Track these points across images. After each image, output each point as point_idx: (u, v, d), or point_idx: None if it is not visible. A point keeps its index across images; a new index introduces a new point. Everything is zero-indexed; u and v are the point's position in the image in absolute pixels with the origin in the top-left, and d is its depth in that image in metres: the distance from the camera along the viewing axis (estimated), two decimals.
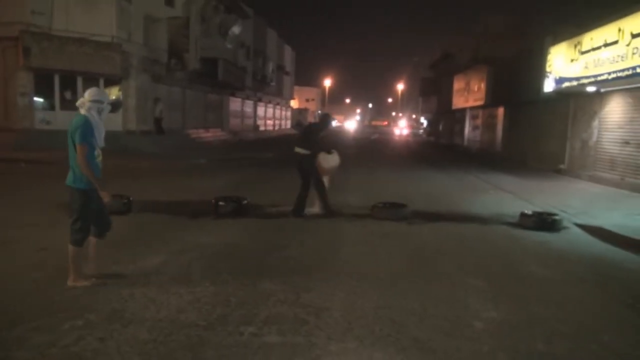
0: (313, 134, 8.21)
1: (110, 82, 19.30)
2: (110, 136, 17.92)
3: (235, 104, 34.18)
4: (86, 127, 4.19)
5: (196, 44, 23.98)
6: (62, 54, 16.91)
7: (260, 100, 41.26)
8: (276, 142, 30.00)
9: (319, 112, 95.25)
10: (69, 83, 18.27)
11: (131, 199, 7.70)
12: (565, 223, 7.78)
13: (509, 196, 10.89)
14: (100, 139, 4.35)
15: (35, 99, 17.99)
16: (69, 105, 18.53)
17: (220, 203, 7.82)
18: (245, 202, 7.95)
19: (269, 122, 45.87)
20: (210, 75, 25.66)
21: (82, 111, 4.26)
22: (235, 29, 30.03)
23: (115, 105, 17.58)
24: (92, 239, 4.52)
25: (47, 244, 5.70)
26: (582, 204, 9.63)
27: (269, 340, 3.41)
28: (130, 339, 3.36)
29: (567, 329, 3.84)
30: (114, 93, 19.79)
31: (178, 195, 9.27)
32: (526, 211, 7.96)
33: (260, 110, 42.19)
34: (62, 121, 18.22)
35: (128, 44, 18.74)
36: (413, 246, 6.27)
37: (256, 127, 39.88)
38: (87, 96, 4.27)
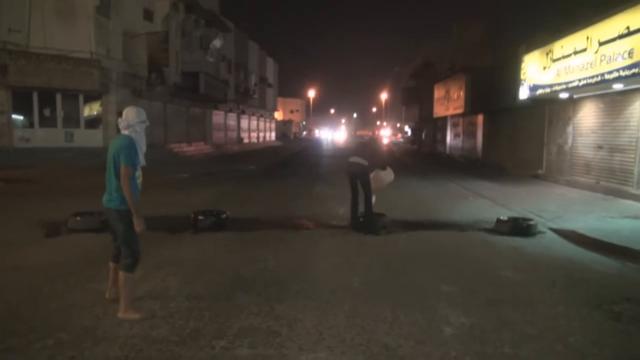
0: (370, 147, 8.20)
1: (89, 98, 19.21)
2: (91, 152, 17.86)
3: (218, 117, 34.16)
4: (132, 148, 4.05)
5: (177, 58, 23.98)
6: (40, 71, 16.80)
7: (243, 112, 41.29)
8: (260, 154, 30.03)
9: (304, 122, 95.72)
10: (47, 100, 18.14)
11: None
12: (540, 228, 7.95)
13: (487, 202, 11.06)
14: (142, 158, 4.27)
15: (14, 116, 17.81)
16: (49, 122, 18.44)
17: (200, 217, 7.83)
18: (224, 216, 7.97)
19: (253, 134, 45.89)
20: (192, 89, 25.64)
21: (127, 132, 4.14)
22: (217, 43, 30.09)
23: None
24: (112, 265, 4.38)
25: (21, 263, 5.66)
26: (558, 209, 9.82)
27: (240, 354, 3.44)
28: (101, 356, 3.37)
29: (534, 331, 3.94)
30: (95, 109, 19.69)
31: (158, 211, 9.22)
32: (502, 217, 8.12)
33: (244, 123, 42.21)
34: (41, 139, 18.10)
35: (107, 60, 18.68)
36: (389, 255, 6.35)
37: (240, 139, 39.87)
38: (132, 117, 4.16)
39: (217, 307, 4.32)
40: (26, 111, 18.06)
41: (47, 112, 18.41)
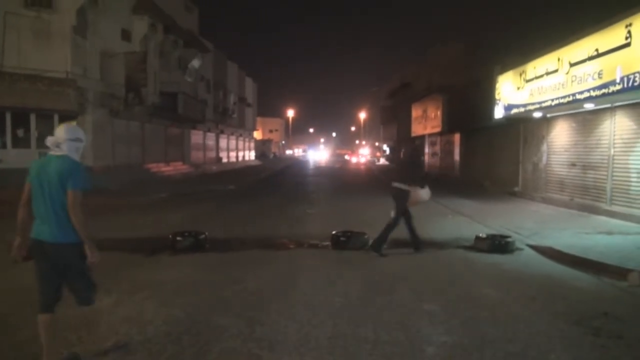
0: (409, 169, 8.18)
1: (65, 119, 18.87)
2: None
3: (196, 136, 33.97)
4: (83, 171, 3.57)
5: (155, 78, 23.89)
6: (13, 90, 16.49)
7: (222, 132, 41.18)
8: (239, 174, 29.87)
9: (283, 142, 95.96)
10: (21, 120, 17.78)
11: None
12: (518, 244, 8.03)
13: (466, 220, 11.15)
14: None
15: None
16: (22, 143, 18.03)
17: (178, 238, 7.71)
18: (203, 236, 7.86)
19: (232, 153, 45.72)
20: (170, 109, 25.51)
21: (60, 152, 3.59)
22: (195, 63, 30.14)
23: None
24: (43, 318, 3.59)
25: None
26: (535, 225, 9.96)
27: None
28: None
29: (515, 348, 3.94)
30: None
31: (135, 232, 9.06)
32: (481, 234, 8.18)
33: (223, 142, 42.06)
34: (14, 159, 17.66)
35: (84, 80, 18.48)
36: (370, 274, 6.33)
37: (219, 159, 39.65)
38: (64, 134, 3.57)
39: (196, 330, 4.22)
40: None
41: (20, 132, 18.03)
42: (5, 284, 5.74)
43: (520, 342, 4.06)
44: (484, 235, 8.08)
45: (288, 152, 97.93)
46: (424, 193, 8.04)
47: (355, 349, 3.87)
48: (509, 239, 7.94)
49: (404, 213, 7.75)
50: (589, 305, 5.06)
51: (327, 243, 8.06)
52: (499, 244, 7.72)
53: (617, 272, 6.20)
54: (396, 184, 7.86)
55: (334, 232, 8.14)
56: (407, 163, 8.49)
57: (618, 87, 9.04)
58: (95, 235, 8.04)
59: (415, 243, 7.80)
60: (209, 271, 6.42)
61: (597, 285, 5.90)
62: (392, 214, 7.76)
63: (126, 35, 21.80)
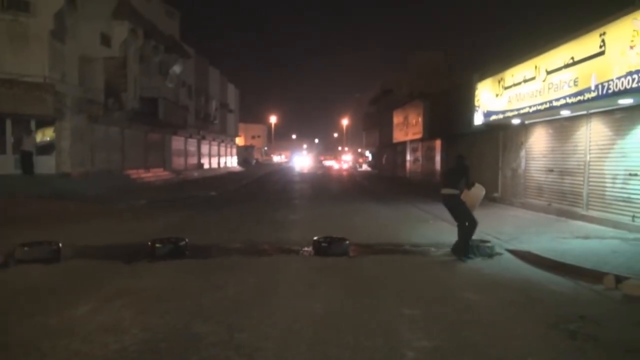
0: (456, 175, 8.13)
1: (42, 124, 18.59)
2: (43, 179, 17.19)
3: (177, 142, 33.69)
4: None
5: (135, 84, 23.66)
6: None
7: (204, 138, 40.92)
8: (221, 180, 29.67)
9: (265, 148, 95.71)
10: None
11: (60, 245, 7.34)
12: (497, 249, 8.11)
13: (446, 225, 11.18)
14: None
15: None
16: None
17: (157, 245, 7.61)
18: (183, 243, 7.77)
19: (214, 159, 45.43)
20: (150, 114, 25.27)
21: None
22: (176, 68, 29.95)
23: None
24: None
25: None
26: (514, 230, 10.08)
27: None
28: None
29: (494, 352, 3.97)
30: (48, 135, 19.05)
31: (114, 239, 8.89)
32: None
33: (205, 149, 41.78)
34: None
35: (62, 85, 18.20)
36: (352, 280, 6.32)
37: (200, 165, 39.35)
38: None
39: (174, 338, 4.15)
40: None
41: None
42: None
43: (499, 346, 4.10)
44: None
45: (276, 158, 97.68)
46: (475, 191, 8.13)
47: (336, 355, 3.86)
48: (488, 244, 8.03)
49: (471, 214, 7.81)
50: (566, 309, 5.13)
51: (309, 249, 8.05)
52: (478, 249, 7.79)
53: (593, 275, 6.31)
54: (445, 191, 7.97)
55: (315, 238, 8.12)
56: (452, 170, 8.49)
57: (593, 94, 9.24)
58: (74, 242, 7.91)
59: (458, 249, 7.72)
60: (189, 278, 6.35)
61: (574, 289, 5.99)
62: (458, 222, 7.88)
63: (106, 40, 21.56)
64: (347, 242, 8.07)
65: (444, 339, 4.24)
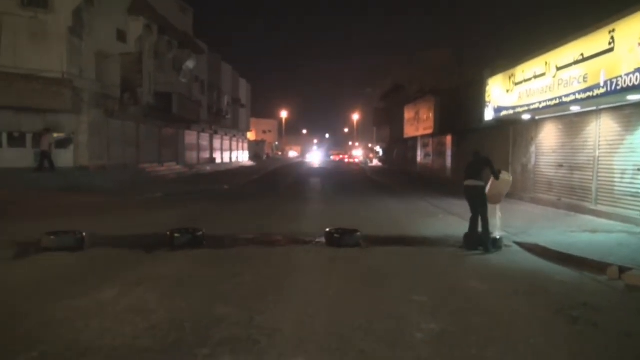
0: (478, 167, 8.32)
1: (61, 119, 19.01)
2: (61, 173, 17.63)
3: (190, 137, 34.11)
4: None
5: (150, 79, 24.05)
6: (9, 90, 16.62)
7: (216, 133, 41.33)
8: (233, 174, 30.04)
9: (276, 143, 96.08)
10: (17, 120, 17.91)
11: (84, 234, 7.68)
12: (505, 242, 8.31)
13: (456, 219, 11.42)
14: None
15: None
16: (17, 142, 18.17)
17: (176, 235, 7.92)
18: (200, 233, 8.08)
19: (226, 154, 45.85)
20: (164, 109, 25.66)
21: None
22: (190, 64, 30.30)
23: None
24: None
25: None
26: (522, 224, 10.25)
27: None
28: None
29: (498, 335, 4.21)
30: (66, 127, 19.44)
31: (133, 230, 9.24)
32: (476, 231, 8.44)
33: (217, 143, 42.20)
34: (9, 159, 17.78)
35: (79, 80, 18.62)
36: (363, 269, 6.58)
37: (213, 159, 39.79)
38: None
39: (198, 319, 4.45)
40: None
41: (16, 132, 18.15)
42: (12, 278, 5.94)
43: (502, 329, 4.34)
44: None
45: (292, 153, 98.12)
46: (502, 181, 8.27)
47: (350, 335, 4.12)
48: (497, 237, 8.22)
49: (485, 206, 8.04)
50: (569, 297, 5.34)
51: (321, 240, 8.30)
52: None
53: (597, 266, 6.50)
54: (470, 182, 8.12)
55: (327, 230, 8.38)
56: (476, 161, 8.62)
57: (602, 90, 9.37)
58: (96, 232, 8.26)
59: (468, 241, 7.97)
60: (207, 266, 6.65)
61: (578, 279, 6.20)
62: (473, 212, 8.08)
63: (121, 36, 21.96)
64: (359, 233, 8.33)
65: (450, 323, 4.48)
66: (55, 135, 18.52)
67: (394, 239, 8.77)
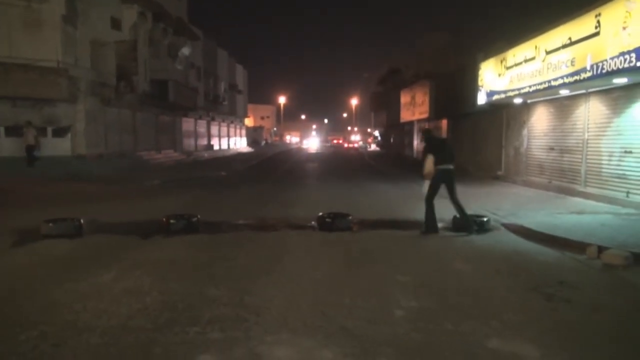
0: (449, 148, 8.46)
1: (57, 107, 19.13)
2: (59, 161, 17.89)
3: (187, 124, 34.19)
4: None
5: (145, 66, 24.08)
6: (5, 80, 16.72)
7: (213, 119, 41.38)
8: (230, 161, 30.20)
9: (275, 129, 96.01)
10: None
11: (82, 221, 7.89)
12: (493, 224, 8.54)
13: (448, 202, 11.58)
14: None
15: None
16: (14, 132, 18.29)
17: (171, 221, 8.13)
18: (195, 219, 8.29)
19: (224, 141, 45.94)
20: (161, 96, 25.74)
21: None
22: (185, 51, 30.26)
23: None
24: None
25: None
26: (512, 207, 10.48)
27: (212, 337, 3.82)
28: (84, 344, 3.69)
29: (475, 312, 4.44)
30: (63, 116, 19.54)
31: (131, 217, 9.45)
32: (458, 215, 8.66)
33: (214, 130, 42.27)
34: (7, 148, 17.95)
35: (75, 69, 18.69)
36: (352, 251, 6.80)
37: (210, 146, 39.90)
38: None
39: (190, 299, 4.68)
40: None
41: (12, 122, 18.27)
42: (12, 263, 6.16)
43: (480, 307, 4.56)
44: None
45: (295, 139, 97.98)
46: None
47: (333, 313, 4.35)
48: (484, 219, 8.44)
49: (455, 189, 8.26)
50: (547, 276, 5.57)
51: (314, 224, 8.52)
52: (474, 224, 8.21)
53: (578, 246, 6.73)
54: (446, 166, 8.16)
55: (320, 214, 8.59)
56: (446, 145, 8.61)
57: (588, 74, 9.52)
58: (93, 219, 8.47)
59: (462, 225, 8.15)
60: (202, 250, 6.87)
61: (558, 259, 6.43)
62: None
63: (116, 24, 21.96)
64: (350, 217, 8.55)
65: (431, 301, 4.71)
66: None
67: (386, 222, 8.99)
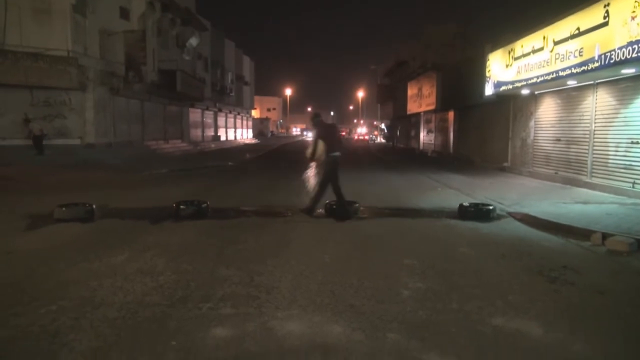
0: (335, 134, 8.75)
1: (66, 96, 19.30)
2: (69, 149, 18.11)
3: (195, 114, 34.34)
4: None
5: (153, 56, 24.18)
6: (16, 68, 16.89)
7: (220, 110, 41.50)
8: (237, 152, 30.35)
9: (281, 120, 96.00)
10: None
11: (94, 206, 8.05)
12: (499, 212, 8.62)
13: (454, 192, 11.74)
14: None
15: None
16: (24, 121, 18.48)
17: (181, 207, 8.27)
18: (204, 205, 8.42)
19: (230, 132, 46.11)
20: (168, 86, 25.86)
21: None
22: (193, 41, 30.33)
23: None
24: None
25: (13, 248, 6.04)
26: (517, 197, 10.54)
27: (224, 312, 3.95)
28: (101, 317, 3.84)
29: (480, 292, 4.54)
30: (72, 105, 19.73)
31: (140, 203, 9.60)
32: (464, 203, 8.75)
33: (221, 121, 42.43)
34: (18, 136, 18.14)
35: (84, 58, 18.84)
36: (359, 236, 6.92)
37: (217, 137, 40.07)
38: None
39: (202, 279, 4.81)
40: None
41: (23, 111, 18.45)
42: (28, 245, 6.32)
43: (484, 288, 4.67)
44: (467, 204, 8.66)
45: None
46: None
47: (341, 292, 4.47)
48: (489, 207, 8.53)
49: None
50: (551, 261, 5.66)
51: (321, 211, 8.63)
52: (480, 212, 8.30)
53: (583, 234, 6.81)
54: (336, 154, 8.45)
55: (327, 202, 8.70)
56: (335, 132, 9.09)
57: (596, 64, 9.53)
58: (104, 205, 8.62)
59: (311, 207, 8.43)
60: (211, 234, 7.01)
61: (562, 245, 6.51)
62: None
63: (125, 14, 22.05)
64: (357, 204, 8.66)
65: (437, 282, 4.82)
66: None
67: (392, 210, 9.09)
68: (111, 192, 11.45)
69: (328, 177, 8.50)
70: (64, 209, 7.90)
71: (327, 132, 8.69)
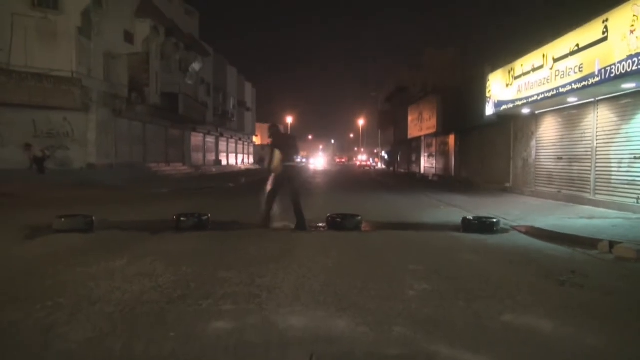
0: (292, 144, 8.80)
1: (69, 117, 19.43)
2: (70, 170, 18.11)
3: (196, 138, 34.52)
4: None
5: (156, 79, 24.46)
6: (20, 88, 17.05)
7: (222, 135, 41.75)
8: (238, 175, 30.34)
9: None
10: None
11: (93, 218, 7.96)
12: (503, 226, 8.51)
13: (456, 210, 11.64)
14: None
15: None
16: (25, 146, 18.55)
17: (182, 218, 8.18)
18: (205, 217, 8.33)
19: (232, 156, 46.26)
20: (171, 109, 26.09)
21: None
22: (196, 66, 30.76)
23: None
24: None
25: (11, 254, 5.97)
26: (521, 213, 10.45)
27: (225, 308, 3.84)
28: (98, 312, 3.73)
29: (487, 294, 4.42)
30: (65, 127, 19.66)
31: (141, 217, 9.50)
32: (468, 216, 8.66)
33: (222, 146, 42.62)
34: (21, 160, 18.15)
35: (88, 79, 19.04)
36: (362, 245, 6.82)
37: (218, 161, 40.17)
38: None
39: (202, 280, 4.70)
40: None
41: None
42: (26, 252, 6.22)
43: (492, 289, 4.55)
44: (471, 217, 8.56)
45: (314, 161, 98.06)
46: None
47: (346, 292, 4.35)
48: (493, 220, 8.42)
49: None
50: (559, 267, 5.54)
51: (323, 224, 8.54)
52: (484, 224, 8.19)
53: (589, 243, 6.71)
54: (291, 163, 8.60)
55: (329, 215, 8.61)
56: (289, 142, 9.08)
57: (596, 79, 9.58)
58: (104, 218, 8.52)
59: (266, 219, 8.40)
60: (212, 243, 6.91)
61: (569, 254, 6.40)
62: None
63: (129, 37, 22.41)
64: (359, 217, 8.56)
65: (443, 284, 4.70)
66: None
67: (395, 224, 8.98)
68: (112, 208, 11.37)
69: (277, 187, 8.55)
70: (63, 220, 7.81)
71: (282, 142, 8.71)
